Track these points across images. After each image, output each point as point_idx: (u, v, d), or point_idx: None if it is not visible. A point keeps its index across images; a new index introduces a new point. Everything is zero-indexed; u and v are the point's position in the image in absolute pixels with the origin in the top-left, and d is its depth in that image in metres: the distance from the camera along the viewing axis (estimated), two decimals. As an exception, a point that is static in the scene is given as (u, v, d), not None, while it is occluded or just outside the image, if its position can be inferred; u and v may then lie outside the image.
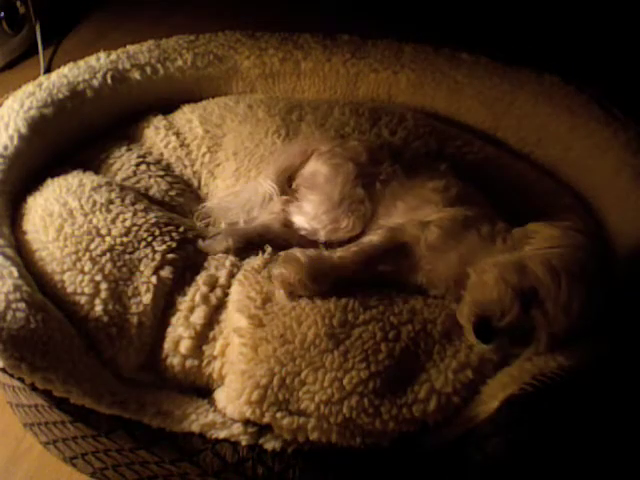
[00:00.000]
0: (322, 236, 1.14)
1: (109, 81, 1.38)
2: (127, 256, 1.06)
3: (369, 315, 0.98)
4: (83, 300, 1.01)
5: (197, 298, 1.05)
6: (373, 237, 1.08)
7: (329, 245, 1.13)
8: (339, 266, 1.04)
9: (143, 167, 1.27)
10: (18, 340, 0.90)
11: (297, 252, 1.05)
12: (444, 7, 2.17)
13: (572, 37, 1.99)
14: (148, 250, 1.08)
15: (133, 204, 1.14)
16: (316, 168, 1.19)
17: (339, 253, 1.06)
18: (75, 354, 0.96)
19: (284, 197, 1.19)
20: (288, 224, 1.18)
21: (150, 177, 1.25)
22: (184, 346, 1.01)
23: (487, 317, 0.94)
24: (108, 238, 1.07)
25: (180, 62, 1.45)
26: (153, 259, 1.07)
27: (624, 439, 0.97)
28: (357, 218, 1.13)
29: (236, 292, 1.05)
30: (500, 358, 0.95)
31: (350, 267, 1.04)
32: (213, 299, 1.05)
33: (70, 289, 1.01)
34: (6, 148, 1.18)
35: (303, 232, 1.16)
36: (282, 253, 1.08)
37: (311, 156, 1.21)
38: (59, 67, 1.38)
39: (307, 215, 1.16)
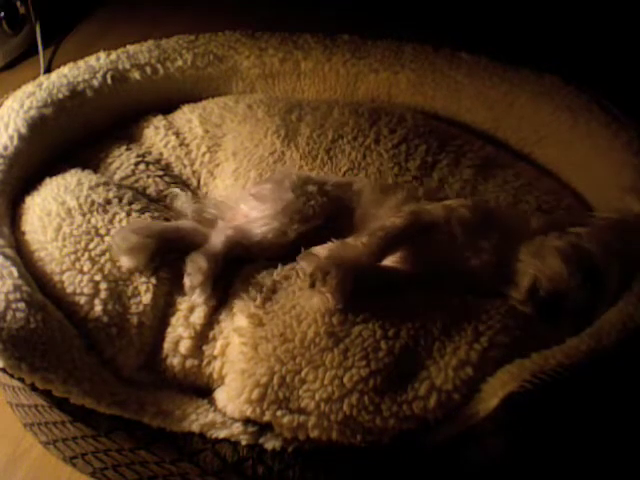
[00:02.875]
0: (294, 230, 1.10)
1: (109, 81, 1.37)
2: (127, 256, 1.06)
3: (369, 313, 0.97)
4: (83, 300, 1.00)
5: (197, 298, 1.05)
6: (396, 220, 1.04)
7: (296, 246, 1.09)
8: (365, 253, 1.00)
9: (142, 166, 1.27)
10: (18, 340, 0.90)
11: (314, 250, 1.02)
12: (444, 7, 2.17)
13: (572, 37, 1.99)
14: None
15: (131, 204, 1.14)
16: (258, 188, 1.15)
17: (363, 240, 1.02)
18: (75, 354, 0.95)
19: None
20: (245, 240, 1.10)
21: (149, 176, 1.25)
22: (184, 346, 1.01)
23: (555, 293, 0.94)
24: (107, 238, 1.07)
25: (180, 62, 1.45)
26: (152, 259, 1.07)
27: (624, 436, 0.97)
28: (319, 206, 1.11)
29: (236, 291, 1.04)
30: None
31: (376, 252, 1.01)
32: (213, 299, 1.05)
33: (69, 289, 1.01)
34: (6, 148, 1.18)
35: (270, 236, 1.10)
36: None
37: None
38: (59, 67, 1.38)
39: (266, 217, 1.10)
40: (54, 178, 1.19)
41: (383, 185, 1.18)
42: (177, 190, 1.25)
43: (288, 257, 1.09)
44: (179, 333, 1.02)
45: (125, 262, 1.05)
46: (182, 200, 1.21)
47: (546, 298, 0.96)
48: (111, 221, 1.10)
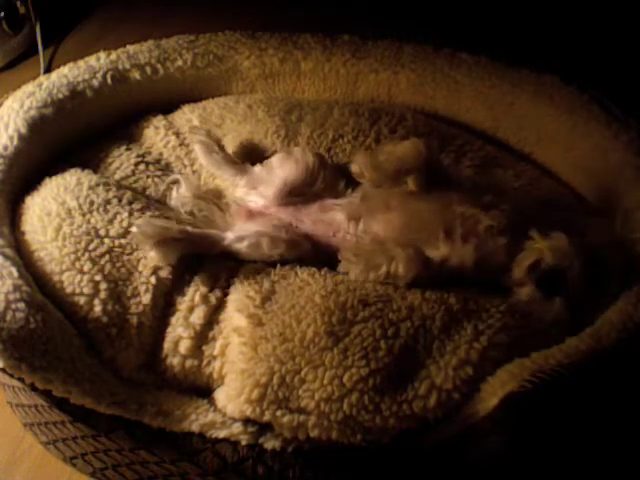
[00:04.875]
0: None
1: (109, 81, 1.37)
2: (126, 257, 1.06)
3: (368, 312, 0.97)
4: (82, 300, 1.01)
5: (196, 298, 1.05)
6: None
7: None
8: None
9: (142, 167, 1.27)
10: (18, 340, 0.90)
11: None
12: (445, 7, 2.16)
13: (572, 37, 1.99)
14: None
15: (130, 203, 1.14)
16: (264, 165, 1.21)
17: None
18: (75, 354, 0.95)
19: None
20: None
21: (148, 176, 1.25)
22: (184, 346, 1.01)
23: (555, 269, 0.97)
24: (107, 239, 1.07)
25: (180, 62, 1.45)
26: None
27: (623, 436, 0.97)
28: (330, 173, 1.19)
29: (235, 291, 1.05)
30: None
31: None
32: (212, 299, 1.05)
33: (69, 289, 1.01)
34: (6, 148, 1.18)
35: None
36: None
37: None
38: (59, 67, 1.38)
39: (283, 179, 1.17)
40: (54, 178, 1.19)
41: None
42: (177, 176, 1.25)
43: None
44: (179, 333, 1.02)
45: (152, 256, 1.06)
46: (180, 192, 1.22)
47: (547, 272, 0.98)
48: (111, 221, 1.10)
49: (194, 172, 1.31)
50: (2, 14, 1.93)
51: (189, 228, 1.11)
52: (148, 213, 1.13)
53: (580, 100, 1.32)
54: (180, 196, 1.21)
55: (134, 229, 1.08)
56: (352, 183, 1.19)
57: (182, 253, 1.07)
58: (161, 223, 1.10)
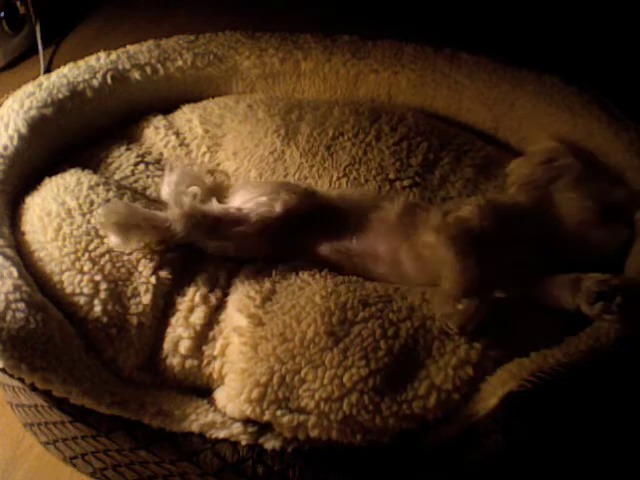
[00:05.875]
0: (281, 202, 1.08)
1: (109, 81, 1.37)
2: (126, 257, 1.06)
3: (368, 312, 0.97)
4: (82, 300, 1.00)
5: (196, 298, 1.05)
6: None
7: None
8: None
9: (142, 167, 1.27)
10: (18, 340, 0.90)
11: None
12: (445, 7, 2.17)
13: (572, 37, 1.99)
14: (146, 250, 1.07)
15: (130, 204, 1.14)
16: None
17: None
18: (75, 354, 0.95)
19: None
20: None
21: (148, 177, 1.25)
22: (184, 346, 1.01)
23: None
24: (107, 239, 1.07)
25: (180, 62, 1.45)
26: (152, 259, 1.06)
27: (623, 436, 0.97)
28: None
29: (235, 291, 1.05)
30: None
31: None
32: (213, 299, 1.05)
33: (69, 289, 1.01)
34: (6, 148, 1.18)
35: (258, 209, 1.08)
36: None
37: None
38: (59, 67, 1.38)
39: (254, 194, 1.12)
40: (54, 178, 1.19)
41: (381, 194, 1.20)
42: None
43: (284, 258, 1.11)
44: (179, 333, 1.02)
45: (112, 240, 1.06)
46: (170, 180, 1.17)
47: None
48: (111, 221, 1.10)
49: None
50: (2, 14, 1.93)
51: (159, 213, 1.08)
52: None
53: (580, 100, 1.32)
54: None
55: (99, 211, 1.08)
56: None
57: (145, 241, 1.07)
58: (125, 209, 1.08)
